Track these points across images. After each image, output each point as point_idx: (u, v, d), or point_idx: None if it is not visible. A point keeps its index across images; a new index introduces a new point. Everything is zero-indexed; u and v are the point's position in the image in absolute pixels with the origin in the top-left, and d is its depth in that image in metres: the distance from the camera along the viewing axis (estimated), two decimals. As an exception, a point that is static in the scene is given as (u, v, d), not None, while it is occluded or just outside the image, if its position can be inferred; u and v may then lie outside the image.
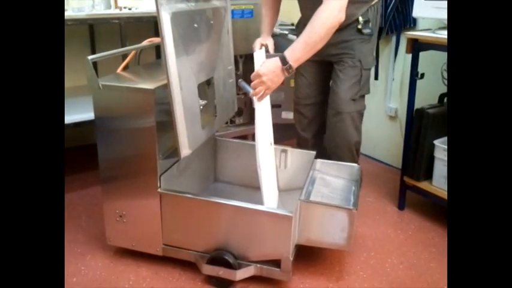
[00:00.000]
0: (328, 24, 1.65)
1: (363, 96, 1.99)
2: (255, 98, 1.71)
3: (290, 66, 1.65)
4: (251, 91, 1.71)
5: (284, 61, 1.65)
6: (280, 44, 2.22)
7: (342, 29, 1.85)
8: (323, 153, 2.14)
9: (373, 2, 1.90)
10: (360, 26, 1.88)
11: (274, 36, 2.67)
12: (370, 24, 1.90)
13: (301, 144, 2.22)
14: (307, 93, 2.13)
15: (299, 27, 2.08)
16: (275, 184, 1.99)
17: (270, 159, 1.87)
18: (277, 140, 2.00)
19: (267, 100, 1.81)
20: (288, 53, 1.66)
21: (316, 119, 2.16)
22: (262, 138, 1.75)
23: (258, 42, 1.98)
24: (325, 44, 1.73)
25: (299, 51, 1.66)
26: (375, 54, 2.09)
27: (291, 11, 2.53)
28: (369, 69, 1.98)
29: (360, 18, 1.88)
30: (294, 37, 2.46)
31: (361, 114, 2.01)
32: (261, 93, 1.69)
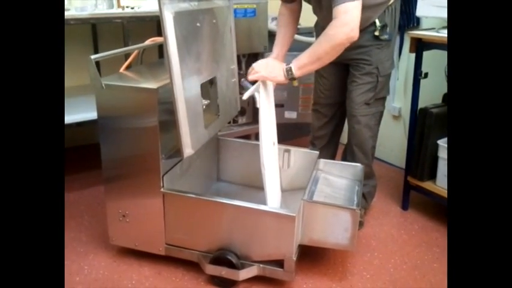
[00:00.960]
0: (337, 41, 1.63)
1: (380, 99, 1.97)
2: (257, 97, 1.70)
3: (290, 68, 1.68)
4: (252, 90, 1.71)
5: (287, 65, 1.67)
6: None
7: None
8: (334, 150, 2.18)
9: (390, 2, 1.85)
10: (377, 33, 1.84)
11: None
12: (388, 29, 1.85)
13: (316, 142, 2.22)
14: (327, 94, 2.12)
15: (317, 28, 2.06)
16: (278, 184, 1.99)
17: (273, 159, 1.87)
18: (280, 140, 1.99)
19: (271, 100, 1.81)
20: (293, 60, 1.68)
21: (335, 117, 2.16)
22: (266, 137, 1.74)
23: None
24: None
25: (304, 59, 1.68)
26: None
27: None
28: (387, 75, 1.94)
29: (377, 23, 1.83)
30: (300, 37, 2.45)
31: (377, 116, 1.99)
32: (254, 75, 1.70)
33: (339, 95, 2.08)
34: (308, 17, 2.05)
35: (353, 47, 1.83)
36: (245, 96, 1.71)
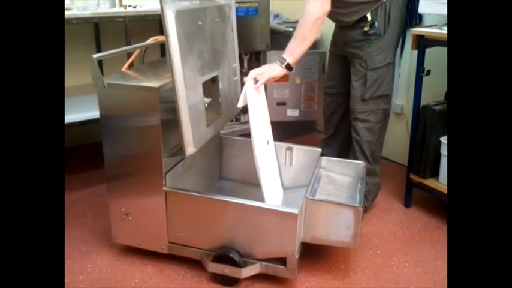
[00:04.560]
0: (313, 16, 1.75)
1: (380, 97, 1.99)
2: (241, 96, 1.76)
3: (282, 57, 1.78)
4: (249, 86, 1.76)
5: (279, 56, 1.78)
6: (285, 42, 2.21)
7: (350, 27, 1.94)
8: (345, 144, 2.26)
9: (384, 0, 1.88)
10: (366, 28, 1.90)
11: (279, 33, 2.67)
12: (377, 24, 1.89)
13: (324, 131, 2.36)
14: (331, 83, 2.24)
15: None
16: (278, 182, 1.99)
17: (268, 158, 1.87)
18: (282, 138, 2.00)
19: (262, 99, 1.85)
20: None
21: (339, 109, 2.24)
22: (258, 137, 1.75)
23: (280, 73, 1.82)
24: (343, 42, 1.93)
25: (291, 44, 1.80)
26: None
27: (295, 7, 2.53)
28: (377, 69, 1.95)
29: (368, 18, 1.88)
30: None
31: (379, 114, 2.02)
32: (256, 75, 1.76)
33: (341, 85, 2.18)
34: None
35: (348, 40, 1.97)
36: (240, 104, 1.77)
